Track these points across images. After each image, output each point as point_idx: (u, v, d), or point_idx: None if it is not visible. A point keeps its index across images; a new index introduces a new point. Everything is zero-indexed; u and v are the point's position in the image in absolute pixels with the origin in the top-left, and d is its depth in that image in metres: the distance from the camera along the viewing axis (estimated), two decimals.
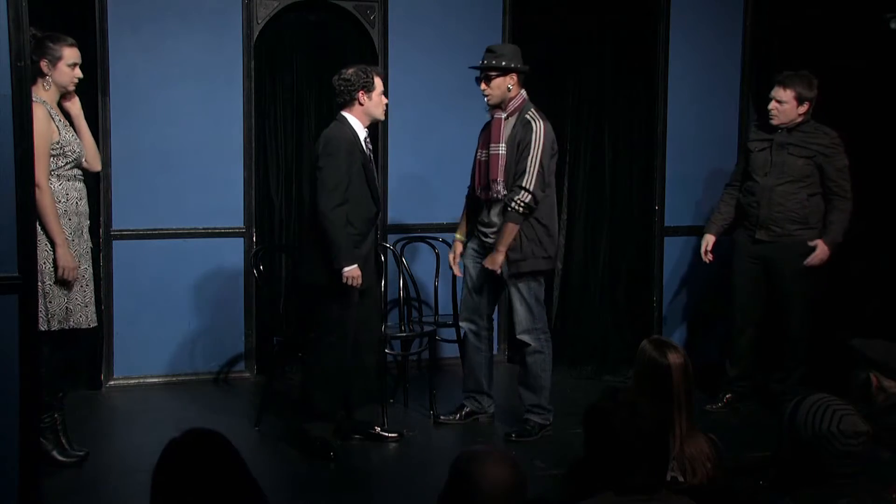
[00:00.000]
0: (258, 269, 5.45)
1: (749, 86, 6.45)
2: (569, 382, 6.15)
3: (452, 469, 2.34)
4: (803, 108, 5.27)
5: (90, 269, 4.50)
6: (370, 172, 4.70)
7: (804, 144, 5.27)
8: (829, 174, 5.26)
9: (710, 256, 5.61)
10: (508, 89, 4.83)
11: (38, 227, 4.11)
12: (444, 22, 6.22)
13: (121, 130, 5.74)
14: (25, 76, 3.49)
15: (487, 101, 4.88)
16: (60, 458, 4.46)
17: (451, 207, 5.66)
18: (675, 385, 3.03)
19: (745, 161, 5.48)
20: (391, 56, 6.12)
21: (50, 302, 4.25)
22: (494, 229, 4.89)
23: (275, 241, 6.12)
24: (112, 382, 5.87)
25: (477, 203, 5.02)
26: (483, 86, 4.86)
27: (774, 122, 5.30)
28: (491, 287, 5.05)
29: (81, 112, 4.55)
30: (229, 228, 6.02)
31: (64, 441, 4.51)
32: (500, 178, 4.82)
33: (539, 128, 4.80)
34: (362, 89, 4.64)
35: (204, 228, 5.97)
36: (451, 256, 5.17)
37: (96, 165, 4.66)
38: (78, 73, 4.42)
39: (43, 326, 4.20)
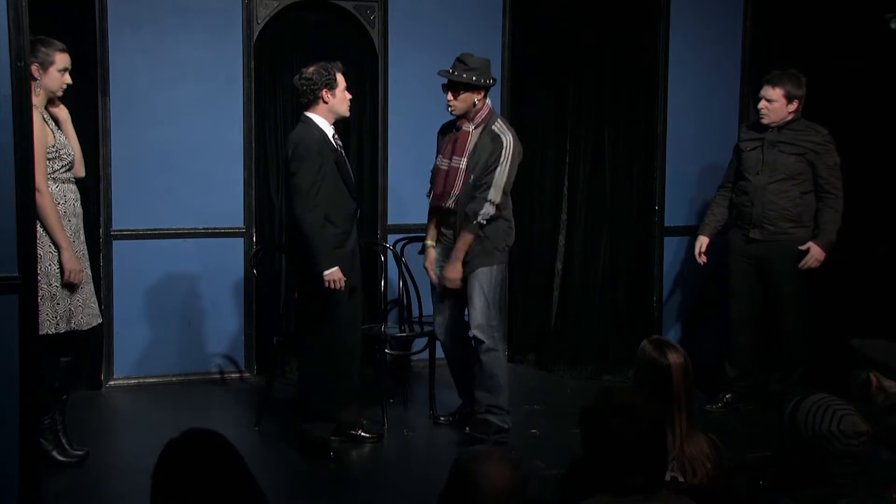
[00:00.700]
0: (258, 269, 5.46)
1: (749, 86, 6.45)
2: (569, 382, 6.15)
3: (453, 469, 2.34)
4: (793, 107, 5.28)
5: (90, 271, 4.51)
6: (344, 169, 4.67)
7: (795, 142, 5.29)
8: (821, 171, 5.27)
9: (704, 258, 5.62)
10: (475, 103, 4.77)
11: (41, 230, 4.12)
12: (444, 22, 6.21)
13: (121, 130, 5.74)
14: (25, 76, 3.49)
15: (451, 111, 4.82)
16: (60, 458, 4.46)
17: None
18: (676, 385, 3.03)
19: (737, 161, 5.50)
20: (391, 56, 6.12)
21: (58, 304, 4.26)
22: (452, 241, 4.85)
23: (275, 241, 6.12)
24: (112, 382, 5.87)
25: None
26: (449, 96, 4.77)
27: (765, 120, 5.32)
28: (458, 290, 4.96)
29: (69, 118, 4.53)
30: (229, 228, 6.02)
31: (64, 441, 4.51)
32: (456, 192, 4.79)
33: (508, 142, 4.75)
34: (325, 87, 4.61)
35: (204, 228, 5.97)
36: (426, 263, 5.10)
37: (81, 171, 4.58)
38: (67, 78, 4.39)
39: (51, 329, 4.22)
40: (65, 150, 4.34)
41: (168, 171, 5.84)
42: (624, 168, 6.46)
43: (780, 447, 2.63)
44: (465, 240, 4.77)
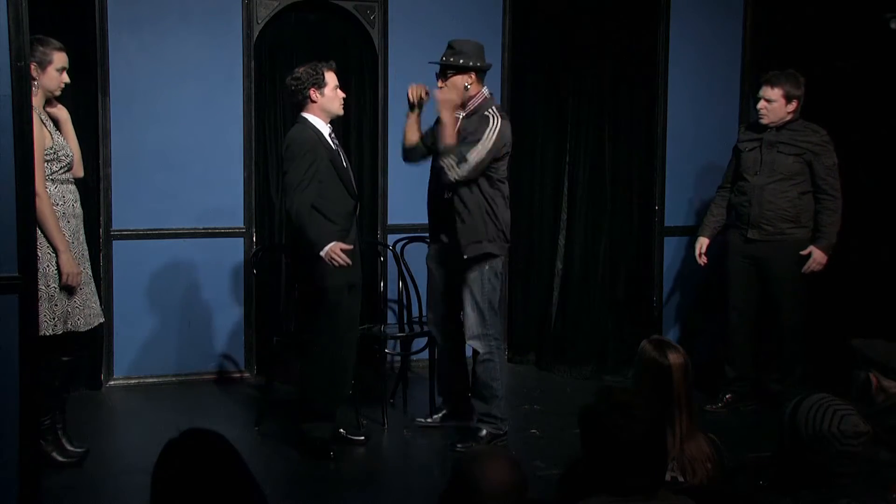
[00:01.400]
0: (258, 269, 5.46)
1: (749, 86, 6.45)
2: (569, 382, 6.15)
3: (453, 469, 2.34)
4: (791, 107, 5.28)
5: (90, 271, 4.51)
6: (340, 167, 4.66)
7: (793, 142, 5.29)
8: (819, 172, 5.27)
9: (704, 259, 5.62)
10: (466, 88, 4.67)
11: (39, 233, 4.11)
12: (444, 22, 6.21)
13: (121, 130, 5.74)
14: (25, 76, 3.49)
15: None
16: (60, 458, 4.46)
17: None
18: (676, 385, 3.03)
19: (736, 161, 5.50)
20: (391, 56, 6.12)
21: (56, 305, 4.26)
22: (451, 238, 4.77)
23: (275, 241, 6.12)
24: (112, 382, 5.87)
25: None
26: (440, 83, 4.71)
27: (764, 121, 5.32)
28: (456, 290, 4.91)
29: (69, 118, 4.52)
30: (229, 228, 6.02)
31: (64, 441, 4.51)
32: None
33: (496, 121, 4.63)
34: (313, 86, 4.62)
35: (204, 228, 5.97)
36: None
37: (80, 172, 4.58)
38: (66, 77, 4.38)
39: (48, 331, 4.21)
40: (63, 152, 4.34)
41: (168, 171, 5.84)
42: (624, 168, 6.46)
43: (780, 447, 2.63)
44: (444, 126, 4.62)
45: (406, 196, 6.18)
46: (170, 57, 5.81)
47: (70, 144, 4.46)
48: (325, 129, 4.67)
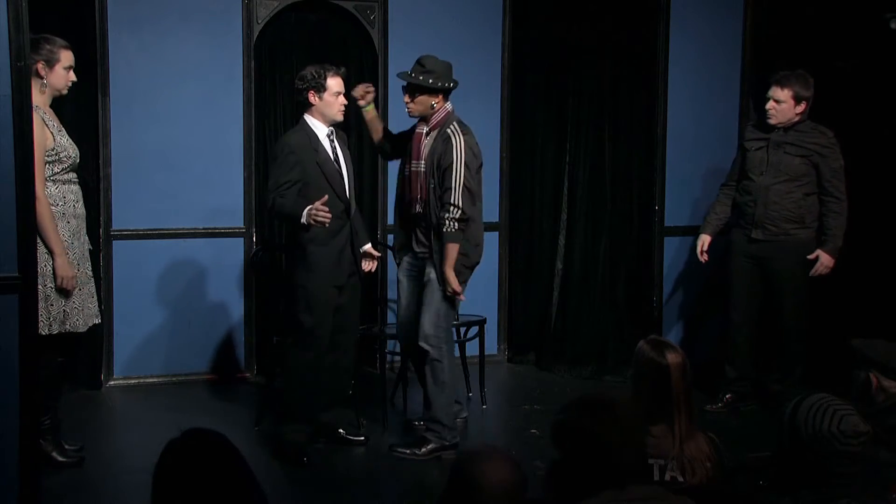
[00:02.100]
0: (258, 269, 5.45)
1: (749, 86, 6.46)
2: (569, 382, 6.15)
3: (453, 469, 2.34)
4: (801, 108, 5.28)
5: (90, 271, 4.50)
6: (330, 170, 4.62)
7: (801, 143, 5.28)
8: (825, 174, 5.27)
9: (705, 257, 5.61)
10: (432, 106, 4.68)
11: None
12: (444, 22, 6.22)
13: (121, 130, 5.74)
14: (25, 76, 3.48)
15: (409, 113, 4.75)
16: (60, 458, 4.46)
17: None
18: (675, 385, 3.02)
19: (742, 160, 5.49)
20: (391, 56, 6.12)
21: (51, 305, 4.25)
22: (425, 248, 4.72)
23: (275, 241, 6.12)
24: (112, 382, 5.87)
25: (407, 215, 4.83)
26: (406, 98, 4.70)
27: (772, 121, 5.31)
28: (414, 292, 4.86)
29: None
30: (229, 228, 6.02)
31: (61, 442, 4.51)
32: (420, 196, 4.68)
33: (458, 143, 4.61)
34: (312, 89, 4.62)
35: (204, 228, 5.98)
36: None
37: None
38: (73, 76, 4.39)
39: (44, 331, 4.20)
40: (65, 153, 4.33)
41: (168, 171, 5.84)
42: (624, 168, 6.47)
43: (780, 447, 2.63)
44: (450, 251, 4.62)
45: None
46: (170, 57, 5.81)
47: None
48: (322, 132, 4.67)
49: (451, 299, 4.72)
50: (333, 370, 4.78)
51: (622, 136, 6.44)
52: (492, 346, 6.40)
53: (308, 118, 4.69)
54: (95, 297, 4.53)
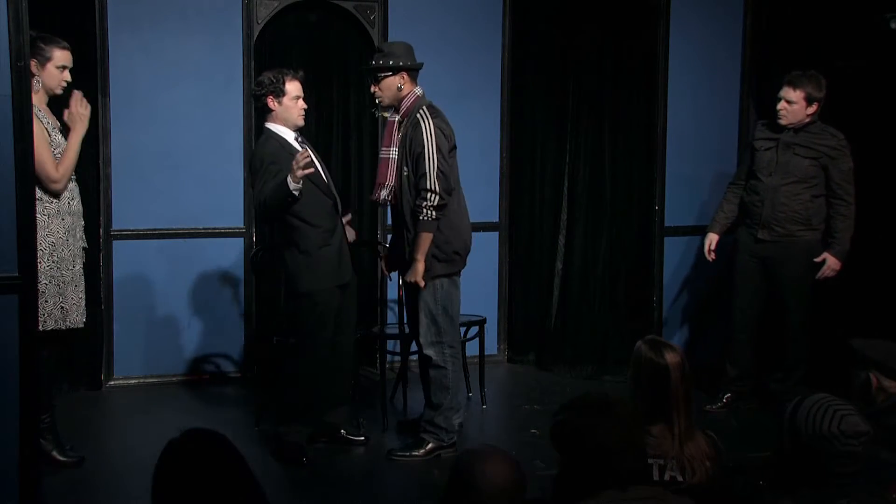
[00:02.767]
0: (257, 270, 5.45)
1: (749, 86, 6.45)
2: (569, 382, 6.15)
3: (453, 469, 2.34)
4: (812, 109, 5.25)
5: (82, 269, 4.49)
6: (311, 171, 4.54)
7: (810, 145, 5.26)
8: (834, 176, 5.25)
9: (712, 255, 5.60)
10: (399, 88, 4.61)
11: (40, 228, 4.07)
12: (444, 22, 6.22)
13: (121, 130, 5.74)
14: (25, 76, 3.49)
15: (379, 103, 4.70)
16: (60, 457, 4.46)
17: None
18: (674, 385, 3.02)
19: (751, 159, 5.47)
20: None
21: (46, 301, 4.24)
22: (399, 234, 4.69)
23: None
24: (112, 382, 5.87)
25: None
26: (373, 87, 4.66)
27: (783, 122, 5.28)
28: (410, 296, 4.83)
29: (79, 138, 4.41)
30: (229, 228, 6.02)
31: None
32: (387, 182, 4.62)
33: (428, 126, 4.55)
34: (271, 94, 4.59)
35: (204, 228, 5.98)
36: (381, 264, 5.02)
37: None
38: (67, 76, 4.36)
39: (40, 327, 4.21)
40: (60, 150, 4.33)
41: (168, 171, 5.84)
42: (624, 168, 6.46)
43: (780, 447, 2.63)
44: (422, 239, 4.54)
45: None
46: (170, 57, 5.81)
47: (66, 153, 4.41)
48: (289, 136, 4.64)
49: (445, 299, 4.69)
50: (333, 370, 4.78)
51: (622, 136, 6.44)
52: (492, 346, 6.40)
53: (271, 126, 4.64)
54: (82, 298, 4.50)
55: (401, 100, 4.65)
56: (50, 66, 4.30)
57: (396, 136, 4.65)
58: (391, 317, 6.19)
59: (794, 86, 5.23)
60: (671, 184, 6.42)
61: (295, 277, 4.61)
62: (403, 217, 4.64)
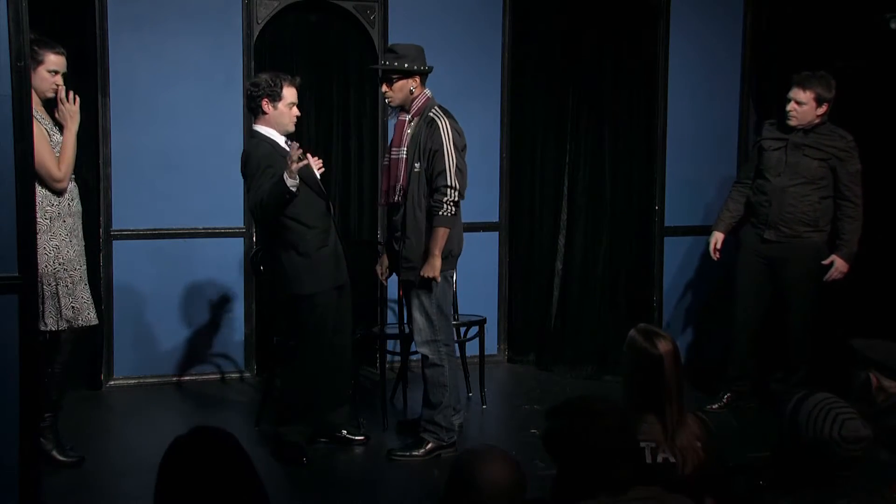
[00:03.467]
0: (258, 269, 5.45)
1: (749, 86, 6.45)
2: (569, 382, 6.15)
3: (452, 469, 2.34)
4: (822, 110, 5.24)
5: (85, 269, 4.50)
6: (304, 172, 4.50)
7: (819, 146, 5.25)
8: (842, 178, 5.24)
9: (718, 254, 5.58)
10: (411, 91, 4.64)
11: (39, 233, 4.07)
12: (444, 22, 6.22)
13: (121, 130, 5.74)
14: (25, 76, 3.49)
15: (389, 103, 4.73)
16: (60, 457, 4.46)
17: None
18: (667, 373, 3.02)
19: (758, 159, 5.45)
20: None
21: (58, 302, 4.28)
22: (398, 234, 4.69)
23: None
24: (112, 382, 5.87)
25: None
26: (384, 88, 4.66)
27: (793, 122, 5.26)
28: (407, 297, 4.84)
29: (74, 134, 4.40)
30: (229, 228, 6.02)
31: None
32: (399, 183, 4.64)
33: (444, 125, 4.59)
34: (266, 97, 4.58)
35: (204, 228, 5.98)
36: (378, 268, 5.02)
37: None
38: (59, 80, 4.33)
39: (53, 327, 4.27)
40: (59, 150, 4.33)
41: (168, 171, 5.84)
42: (624, 168, 6.46)
43: (781, 447, 2.63)
44: (440, 234, 4.56)
45: None
46: (170, 57, 5.81)
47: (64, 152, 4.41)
48: (279, 139, 4.63)
49: (441, 298, 4.68)
50: (333, 370, 4.79)
51: (622, 136, 6.44)
52: (492, 346, 6.40)
53: (260, 128, 4.64)
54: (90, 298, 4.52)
55: (412, 100, 4.68)
56: (41, 70, 4.27)
57: (406, 136, 4.67)
58: (391, 317, 6.19)
59: (804, 87, 5.21)
60: (671, 184, 6.42)
61: (295, 280, 4.60)
62: (404, 216, 4.65)
